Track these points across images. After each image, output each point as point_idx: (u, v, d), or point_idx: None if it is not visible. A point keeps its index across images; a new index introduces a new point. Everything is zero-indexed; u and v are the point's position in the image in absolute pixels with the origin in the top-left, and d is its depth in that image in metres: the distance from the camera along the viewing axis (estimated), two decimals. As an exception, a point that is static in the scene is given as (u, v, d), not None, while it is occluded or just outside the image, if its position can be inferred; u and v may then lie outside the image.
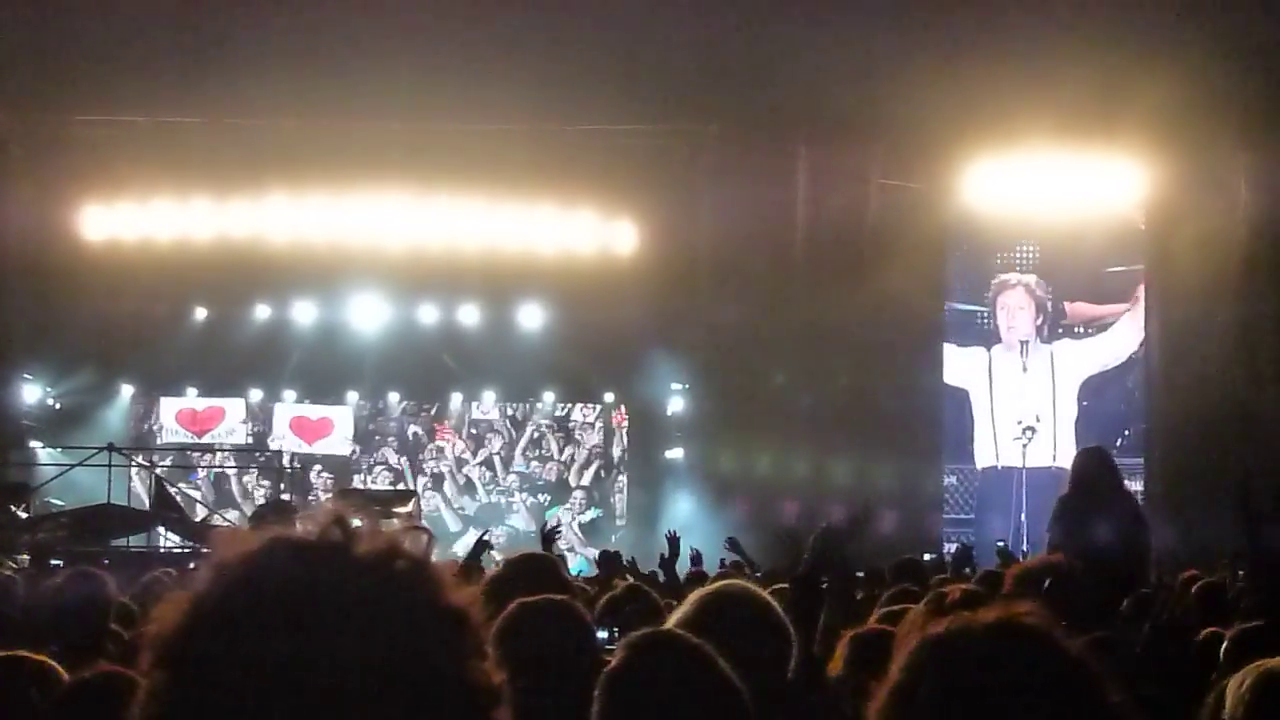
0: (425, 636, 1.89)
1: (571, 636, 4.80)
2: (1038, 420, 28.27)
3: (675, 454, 30.58)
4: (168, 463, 29.85)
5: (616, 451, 31.65)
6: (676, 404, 30.74)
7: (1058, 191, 28.61)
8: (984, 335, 29.10)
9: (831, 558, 6.72)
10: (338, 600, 1.87)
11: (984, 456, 28.74)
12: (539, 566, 6.74)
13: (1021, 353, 28.70)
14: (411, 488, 29.79)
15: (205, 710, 1.83)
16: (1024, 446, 27.90)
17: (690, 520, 26.89)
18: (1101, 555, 9.00)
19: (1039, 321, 28.93)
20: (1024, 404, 28.50)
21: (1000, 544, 11.24)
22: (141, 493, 27.67)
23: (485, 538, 11.59)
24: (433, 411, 31.86)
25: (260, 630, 1.84)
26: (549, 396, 31.55)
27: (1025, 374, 28.64)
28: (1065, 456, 27.00)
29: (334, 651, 1.83)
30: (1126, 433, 28.53)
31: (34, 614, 7.86)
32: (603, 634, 5.15)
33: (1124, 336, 29.11)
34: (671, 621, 4.61)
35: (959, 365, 29.00)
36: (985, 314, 29.11)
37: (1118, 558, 9.29)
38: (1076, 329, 29.10)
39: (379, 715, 1.83)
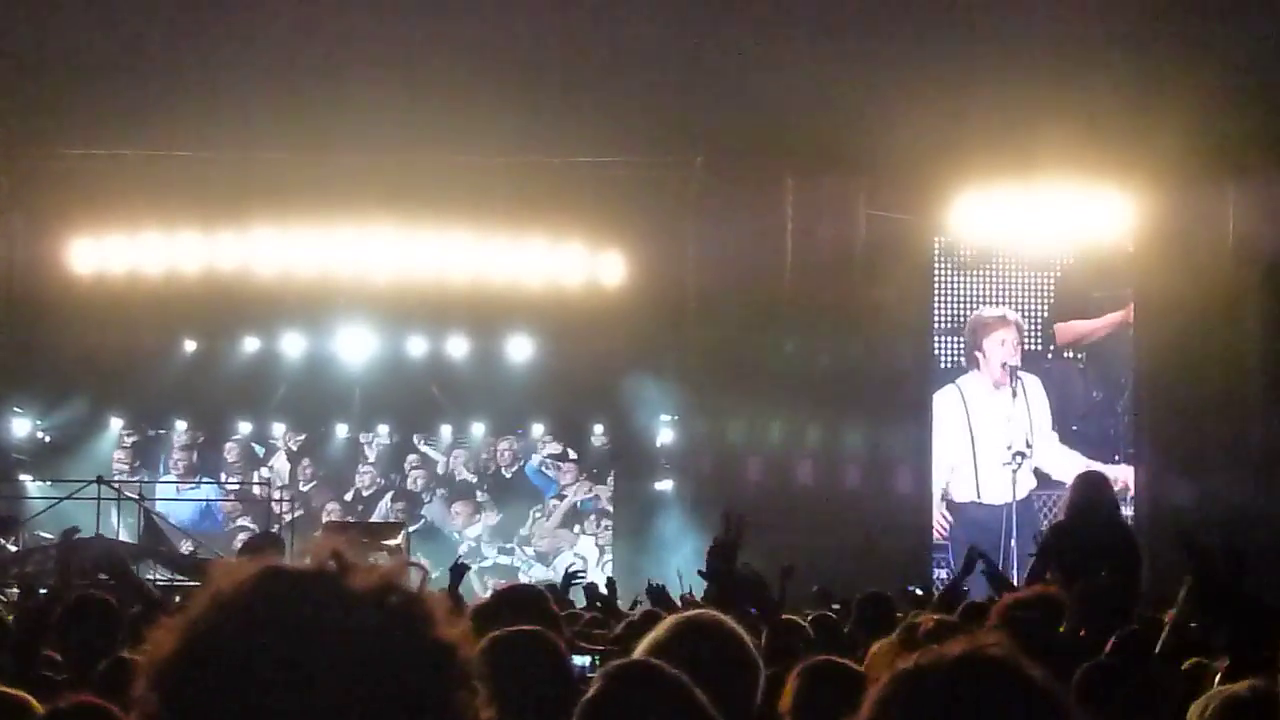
0: (416, 669, 1.90)
1: (543, 666, 4.80)
2: (1028, 446, 28.25)
3: (664, 485, 30.53)
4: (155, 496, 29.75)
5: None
6: (665, 435, 30.71)
7: (1046, 222, 28.63)
8: (953, 371, 29.11)
9: (723, 576, 6.83)
10: (330, 631, 1.88)
11: (962, 491, 28.68)
12: (524, 597, 6.75)
13: (1010, 379, 28.67)
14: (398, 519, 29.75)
15: None
16: (1014, 473, 27.90)
17: (679, 551, 26.89)
18: (1093, 587, 8.90)
19: (1024, 348, 28.94)
20: (1012, 430, 28.47)
21: (987, 572, 11.11)
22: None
23: (461, 562, 11.53)
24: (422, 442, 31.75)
25: (252, 659, 1.85)
26: (538, 428, 31.47)
27: (1014, 400, 28.60)
28: (1054, 481, 27.24)
29: (325, 682, 1.85)
30: (1116, 457, 28.52)
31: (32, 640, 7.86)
32: (583, 660, 5.14)
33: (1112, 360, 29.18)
34: (640, 650, 4.60)
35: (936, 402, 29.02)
36: (960, 348, 29.13)
37: (1110, 590, 9.17)
38: (1065, 353, 29.13)
39: None
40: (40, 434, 30.06)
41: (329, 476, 31.42)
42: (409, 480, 31.41)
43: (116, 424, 30.85)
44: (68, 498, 25.73)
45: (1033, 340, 29.08)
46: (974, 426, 28.68)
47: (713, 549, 7.14)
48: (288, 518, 28.83)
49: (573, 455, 31.48)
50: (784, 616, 8.41)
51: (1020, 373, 28.75)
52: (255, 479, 30.97)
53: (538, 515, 31.27)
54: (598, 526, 31.28)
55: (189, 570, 21.63)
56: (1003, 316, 29.00)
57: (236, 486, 31.40)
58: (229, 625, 1.89)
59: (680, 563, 19.08)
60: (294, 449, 31.44)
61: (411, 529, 29.14)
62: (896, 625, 9.06)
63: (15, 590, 18.40)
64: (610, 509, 31.32)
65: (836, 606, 13.59)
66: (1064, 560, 9.89)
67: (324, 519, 29.75)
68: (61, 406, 29.86)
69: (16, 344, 28.53)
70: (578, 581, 15.29)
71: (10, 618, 8.96)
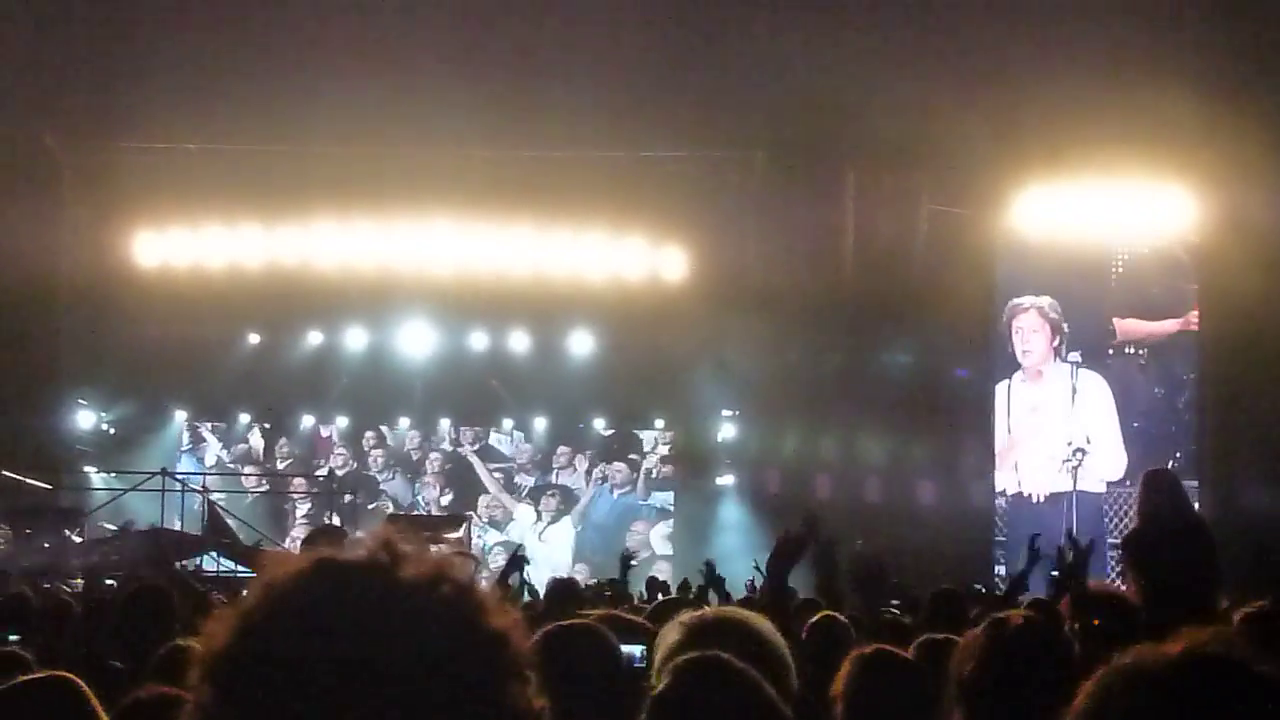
0: (468, 660, 1.91)
1: (596, 657, 4.79)
2: (1088, 442, 28.10)
3: (725, 480, 30.52)
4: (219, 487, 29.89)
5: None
6: (727, 430, 30.69)
7: (1108, 217, 28.51)
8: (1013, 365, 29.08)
9: (782, 579, 6.83)
10: (381, 622, 1.89)
11: (1016, 485, 28.56)
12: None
13: (1071, 375, 28.54)
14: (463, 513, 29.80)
15: None
16: (1074, 469, 27.76)
17: (740, 546, 26.89)
18: (1171, 586, 8.72)
19: (1057, 343, 28.82)
20: (1072, 426, 28.32)
21: (1055, 574, 11.00)
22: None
23: (520, 553, 11.48)
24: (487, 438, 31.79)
25: (304, 649, 1.86)
26: (599, 422, 31.47)
27: (1076, 396, 28.47)
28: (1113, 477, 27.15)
29: (376, 672, 1.85)
30: (1178, 455, 28.32)
31: (97, 628, 7.92)
32: (633, 650, 5.14)
33: (1174, 356, 29.02)
34: (663, 647, 4.59)
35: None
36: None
37: (1188, 588, 8.95)
38: (1126, 349, 28.96)
39: None
40: (104, 426, 30.24)
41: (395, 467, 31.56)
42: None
43: (180, 416, 31.02)
44: (132, 489, 25.89)
45: (1093, 336, 28.92)
46: (1013, 419, 28.58)
47: (778, 549, 7.10)
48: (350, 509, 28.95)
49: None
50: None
51: (1080, 369, 28.59)
52: (317, 470, 31.08)
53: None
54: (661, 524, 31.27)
55: (251, 561, 21.73)
56: (1022, 304, 28.80)
57: (298, 477, 31.48)
58: (281, 616, 1.90)
59: (741, 557, 19.08)
60: (370, 441, 31.57)
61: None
62: (966, 622, 9.01)
63: (79, 580, 18.58)
64: (670, 506, 31.30)
65: (896, 602, 13.59)
66: (1144, 566, 9.64)
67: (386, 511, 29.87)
68: (125, 399, 30.04)
69: (81, 337, 28.69)
70: (634, 565, 15.28)
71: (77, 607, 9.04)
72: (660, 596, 14.87)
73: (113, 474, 28.49)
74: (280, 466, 31.37)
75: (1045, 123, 25.98)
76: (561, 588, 10.71)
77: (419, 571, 1.96)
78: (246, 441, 31.42)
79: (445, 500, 31.27)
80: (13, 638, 8.19)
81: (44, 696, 4.97)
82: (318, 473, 30.95)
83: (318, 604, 1.90)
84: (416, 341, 30.46)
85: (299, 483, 31.31)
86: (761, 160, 28.75)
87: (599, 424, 31.51)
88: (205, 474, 29.73)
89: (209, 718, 1.91)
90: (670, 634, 4.70)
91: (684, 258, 29.64)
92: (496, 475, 31.57)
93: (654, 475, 31.71)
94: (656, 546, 30.83)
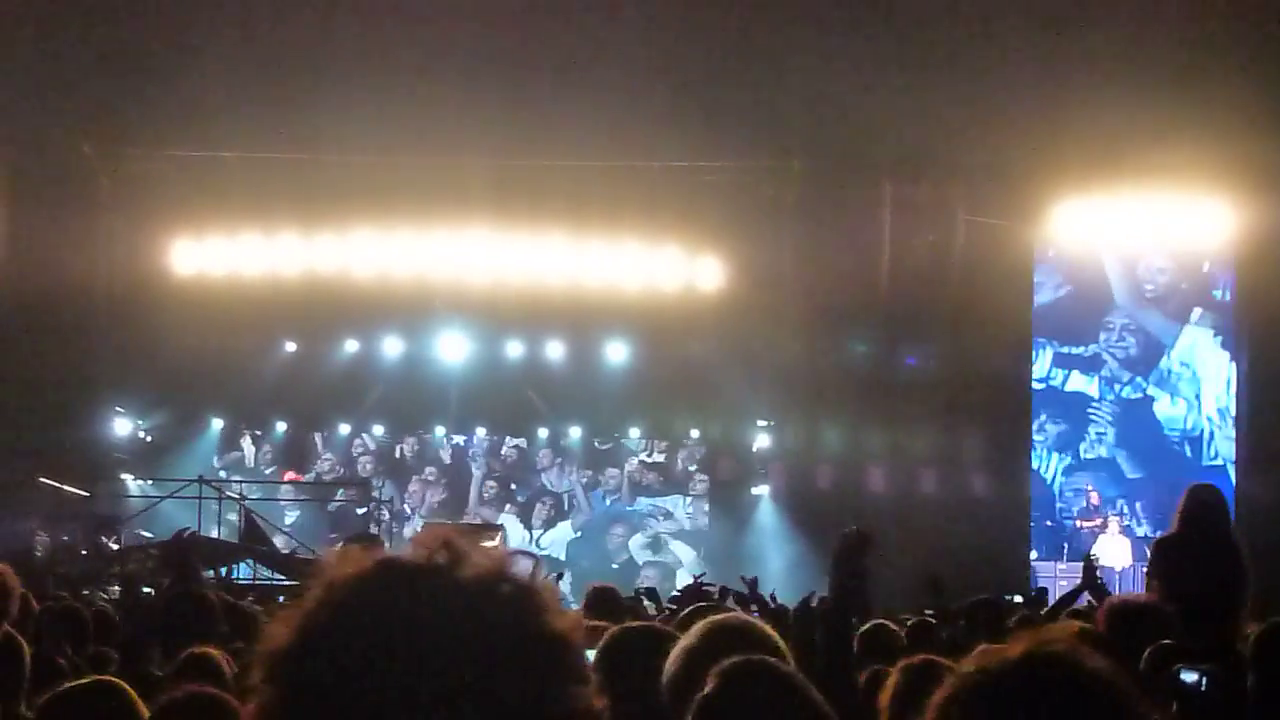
0: (529, 659, 1.91)
1: (657, 660, 4.80)
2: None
3: (760, 490, 30.51)
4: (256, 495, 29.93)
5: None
6: (762, 440, 30.67)
7: (1145, 229, 28.48)
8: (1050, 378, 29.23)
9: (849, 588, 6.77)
10: (443, 621, 1.89)
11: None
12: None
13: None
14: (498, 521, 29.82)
15: None
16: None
17: (773, 555, 26.91)
18: (1196, 605, 8.68)
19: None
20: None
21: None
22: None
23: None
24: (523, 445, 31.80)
25: (367, 649, 1.87)
26: (634, 432, 31.47)
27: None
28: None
29: (438, 672, 1.86)
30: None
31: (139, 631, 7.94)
32: None
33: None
34: (677, 651, 4.59)
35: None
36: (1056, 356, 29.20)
37: (1213, 608, 8.90)
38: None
39: None
40: (141, 434, 30.31)
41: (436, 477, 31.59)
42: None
43: (217, 424, 31.08)
44: (169, 497, 25.96)
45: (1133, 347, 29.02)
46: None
47: (839, 559, 7.03)
48: (385, 518, 29.00)
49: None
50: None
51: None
52: (352, 479, 31.11)
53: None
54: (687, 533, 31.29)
55: (289, 568, 21.79)
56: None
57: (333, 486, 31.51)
58: (343, 616, 1.91)
59: (774, 567, 19.09)
60: (406, 451, 31.61)
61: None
62: (1005, 631, 9.00)
63: (116, 588, 18.62)
64: (701, 515, 31.28)
65: (929, 613, 13.55)
66: (1169, 573, 9.62)
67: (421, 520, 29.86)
68: (162, 407, 30.11)
69: (117, 344, 28.77)
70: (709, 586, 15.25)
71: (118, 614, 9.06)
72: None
73: (150, 481, 28.59)
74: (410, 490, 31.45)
75: (1083, 134, 25.93)
76: (602, 595, 10.71)
77: (480, 572, 1.96)
78: (240, 450, 31.40)
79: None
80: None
81: (92, 701, 5.00)
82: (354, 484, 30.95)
83: (380, 604, 1.91)
84: (453, 351, 30.49)
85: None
86: (797, 171, 28.71)
87: (633, 433, 31.49)
88: (243, 481, 29.78)
89: (272, 718, 1.91)
90: (684, 639, 4.71)
91: (719, 268, 29.62)
92: (490, 485, 31.64)
93: (639, 481, 31.69)
94: (635, 554, 30.85)
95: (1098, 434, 29.24)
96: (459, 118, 26.00)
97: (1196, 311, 29.07)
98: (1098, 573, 11.25)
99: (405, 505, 30.92)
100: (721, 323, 28.70)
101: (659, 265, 29.64)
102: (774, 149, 28.33)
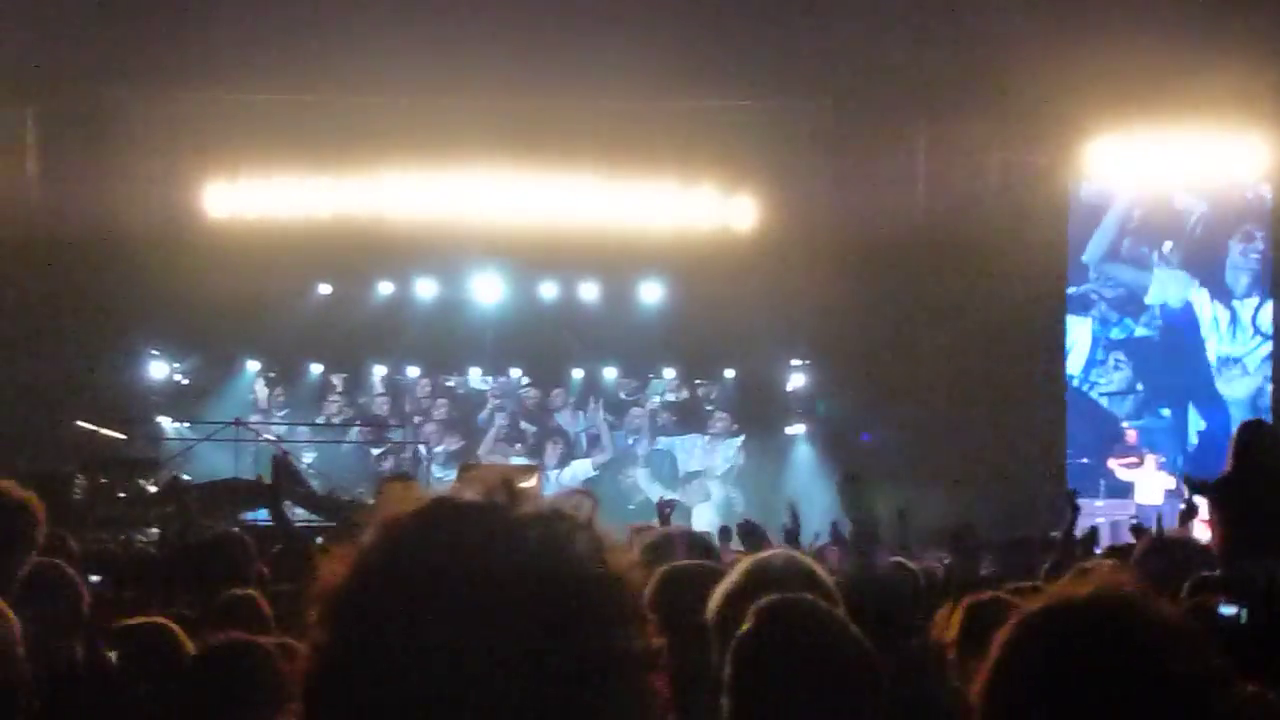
0: (587, 598, 1.89)
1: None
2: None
3: (795, 429, 30.52)
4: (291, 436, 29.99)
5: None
6: (797, 379, 30.66)
7: (1184, 165, 28.32)
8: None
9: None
10: (502, 560, 1.88)
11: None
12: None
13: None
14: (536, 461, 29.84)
15: (372, 666, 1.84)
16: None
17: (809, 495, 26.87)
18: (1255, 537, 8.57)
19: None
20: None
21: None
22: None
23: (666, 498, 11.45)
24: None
25: (426, 588, 1.85)
26: (668, 373, 31.47)
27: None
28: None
29: (497, 611, 1.84)
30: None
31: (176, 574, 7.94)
32: None
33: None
34: (719, 591, 4.58)
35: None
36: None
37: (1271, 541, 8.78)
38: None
39: (542, 674, 1.84)
40: (177, 376, 30.39)
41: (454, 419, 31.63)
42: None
43: (253, 366, 31.15)
44: (205, 439, 26.04)
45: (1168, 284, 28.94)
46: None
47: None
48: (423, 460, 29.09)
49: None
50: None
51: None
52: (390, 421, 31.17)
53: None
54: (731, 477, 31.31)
55: (327, 510, 21.82)
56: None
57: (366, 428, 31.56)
58: (402, 556, 1.89)
59: (810, 508, 19.04)
60: (418, 392, 31.63)
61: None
62: (1039, 571, 8.98)
63: (155, 530, 18.71)
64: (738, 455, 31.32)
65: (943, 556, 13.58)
66: (1228, 513, 9.48)
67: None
68: (197, 350, 30.18)
69: (152, 288, 28.79)
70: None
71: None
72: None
73: (187, 424, 28.69)
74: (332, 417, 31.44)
75: (1120, 69, 25.73)
76: (749, 529, 10.75)
77: (537, 511, 1.94)
78: (254, 393, 31.45)
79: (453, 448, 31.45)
80: (94, 579, 8.25)
81: (143, 640, 5.02)
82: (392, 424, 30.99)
83: (437, 543, 1.89)
84: (487, 292, 30.49)
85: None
86: (831, 108, 28.59)
87: (668, 373, 31.50)
88: (279, 423, 29.86)
89: (328, 659, 1.90)
90: (727, 578, 4.70)
91: (754, 207, 29.58)
92: (502, 425, 31.69)
93: (659, 421, 31.75)
94: (652, 494, 30.91)
95: (1133, 370, 29.18)
96: (492, 58, 25.95)
97: (1236, 247, 28.90)
98: (1134, 514, 11.23)
99: (420, 446, 30.88)
100: (756, 262, 28.61)
101: (693, 204, 29.60)
102: (808, 86, 28.20)
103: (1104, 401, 29.19)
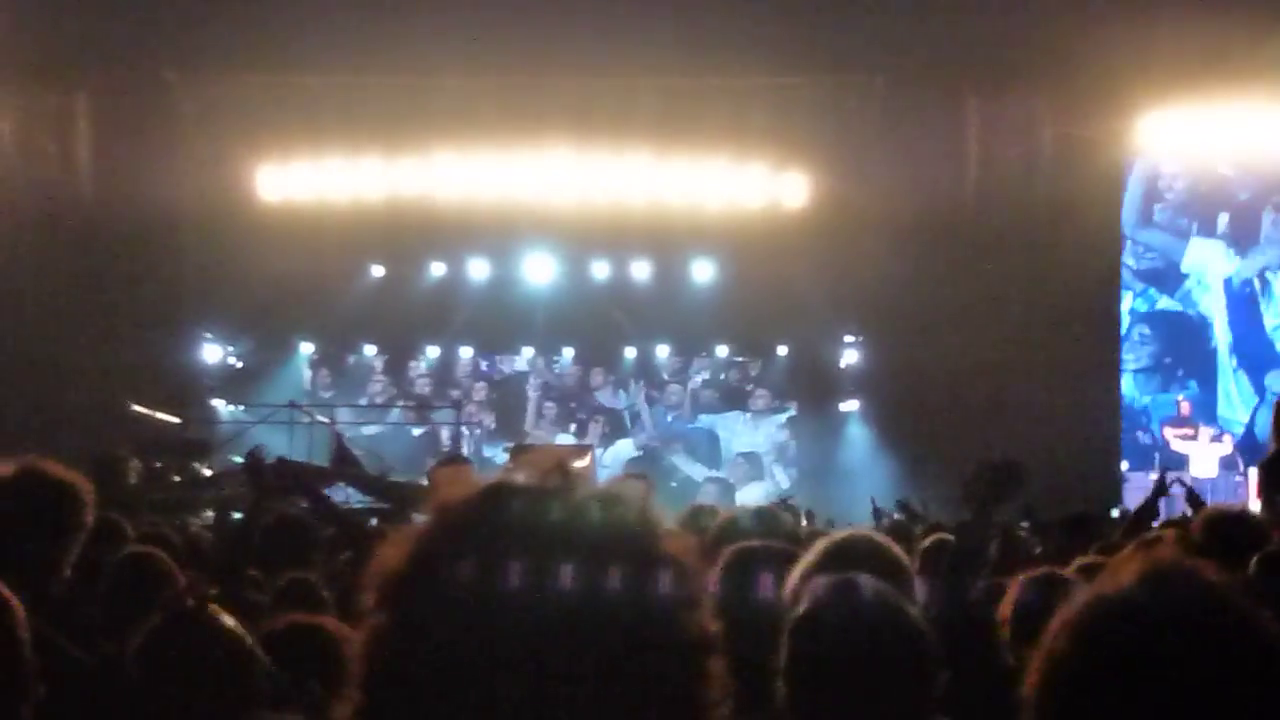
0: (644, 583, 1.89)
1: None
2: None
3: (849, 406, 30.48)
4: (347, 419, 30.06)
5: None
6: (850, 356, 30.62)
7: (1239, 139, 28.13)
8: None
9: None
10: (560, 544, 1.88)
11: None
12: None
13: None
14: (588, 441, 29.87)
15: (435, 652, 1.84)
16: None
17: (864, 472, 26.86)
18: None
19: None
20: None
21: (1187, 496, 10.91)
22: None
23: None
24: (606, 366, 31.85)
25: (485, 572, 1.85)
26: (721, 351, 31.47)
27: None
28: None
29: (555, 595, 1.84)
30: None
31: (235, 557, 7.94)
32: None
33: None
34: (797, 571, 4.57)
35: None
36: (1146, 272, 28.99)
37: None
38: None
39: (601, 658, 1.84)
40: (230, 359, 30.51)
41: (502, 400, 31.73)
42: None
43: (306, 348, 31.25)
44: (260, 422, 26.13)
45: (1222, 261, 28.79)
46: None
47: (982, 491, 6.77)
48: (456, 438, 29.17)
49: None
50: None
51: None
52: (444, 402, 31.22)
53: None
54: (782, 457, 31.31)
55: (380, 493, 21.85)
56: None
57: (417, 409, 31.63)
58: (459, 540, 1.89)
59: (864, 485, 19.06)
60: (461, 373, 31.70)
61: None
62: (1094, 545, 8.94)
63: (210, 514, 18.75)
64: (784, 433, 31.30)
65: (1026, 525, 13.56)
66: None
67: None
68: (250, 332, 30.30)
69: (205, 271, 28.92)
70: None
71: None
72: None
73: (241, 407, 28.79)
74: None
75: (1174, 40, 25.55)
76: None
77: (594, 494, 1.94)
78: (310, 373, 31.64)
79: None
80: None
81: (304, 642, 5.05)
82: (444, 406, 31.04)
83: (495, 527, 1.89)
84: (539, 272, 30.53)
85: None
86: (881, 84, 28.49)
87: (721, 351, 31.52)
88: (334, 405, 29.93)
89: (387, 644, 1.90)
90: (805, 557, 4.69)
91: (804, 184, 29.51)
92: (548, 405, 31.73)
93: (700, 399, 31.77)
94: (693, 473, 30.88)
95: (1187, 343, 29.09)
96: (542, 37, 25.94)
97: (1268, 218, 28.73)
98: (1189, 483, 11.14)
99: (463, 427, 30.92)
100: (808, 239, 28.57)
101: (744, 182, 29.55)
102: (859, 62, 28.10)
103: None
